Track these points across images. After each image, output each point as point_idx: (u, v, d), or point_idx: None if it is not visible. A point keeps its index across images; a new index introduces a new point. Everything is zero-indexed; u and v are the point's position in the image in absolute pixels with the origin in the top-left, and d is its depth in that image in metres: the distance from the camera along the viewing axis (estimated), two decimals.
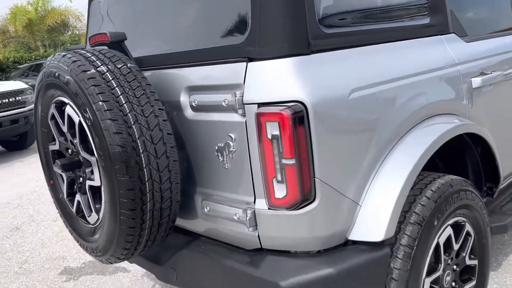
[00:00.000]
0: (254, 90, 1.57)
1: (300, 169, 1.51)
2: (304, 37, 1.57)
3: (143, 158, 1.62)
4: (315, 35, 1.59)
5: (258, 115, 1.53)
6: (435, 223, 1.83)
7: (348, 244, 1.70)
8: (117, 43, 1.91)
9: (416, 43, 1.99)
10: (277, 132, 1.50)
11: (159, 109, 1.70)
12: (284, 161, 1.51)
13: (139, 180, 1.62)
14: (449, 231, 1.96)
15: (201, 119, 1.78)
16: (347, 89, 1.62)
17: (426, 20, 2.08)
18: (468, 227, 2.09)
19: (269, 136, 1.52)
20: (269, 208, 1.62)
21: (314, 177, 1.55)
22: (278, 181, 1.55)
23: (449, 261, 2.04)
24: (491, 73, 2.30)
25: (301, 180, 1.52)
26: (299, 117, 1.49)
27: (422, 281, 1.85)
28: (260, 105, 1.54)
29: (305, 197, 1.54)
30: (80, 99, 1.65)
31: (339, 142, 1.61)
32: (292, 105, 1.49)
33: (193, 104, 1.78)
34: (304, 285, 1.56)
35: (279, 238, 1.67)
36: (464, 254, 2.10)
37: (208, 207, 1.85)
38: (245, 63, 1.60)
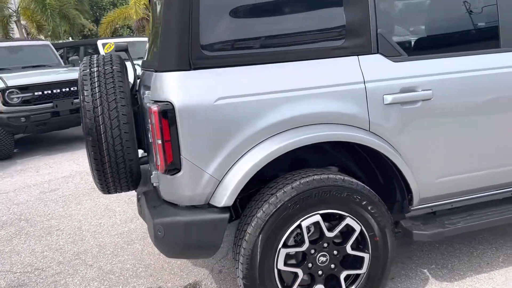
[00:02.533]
0: (153, 91, 2.36)
1: (163, 147, 2.25)
2: (186, 58, 2.26)
3: (101, 128, 2.57)
4: (196, 57, 2.26)
5: (149, 108, 2.32)
6: (291, 207, 2.31)
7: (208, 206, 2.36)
8: (123, 51, 2.89)
9: (312, 64, 2.37)
10: (153, 121, 2.26)
11: (120, 97, 2.62)
12: (157, 140, 2.27)
13: (98, 141, 2.59)
14: (316, 218, 2.37)
15: (146, 107, 2.64)
16: (214, 97, 2.25)
17: (338, 43, 2.43)
18: (351, 222, 2.44)
19: (152, 123, 2.29)
20: (160, 172, 2.40)
21: (180, 155, 2.27)
22: (156, 154, 2.32)
23: (325, 244, 2.45)
24: (418, 92, 2.48)
25: (165, 155, 2.26)
26: (165, 112, 2.22)
27: (278, 249, 2.36)
28: (153, 102, 2.32)
29: (169, 167, 2.27)
30: (78, 88, 2.69)
31: (202, 133, 2.25)
32: (161, 104, 2.23)
33: (144, 96, 2.65)
34: (164, 224, 2.32)
35: (166, 193, 2.43)
36: (345, 244, 2.47)
37: (149, 167, 2.71)
38: (154, 73, 2.39)
